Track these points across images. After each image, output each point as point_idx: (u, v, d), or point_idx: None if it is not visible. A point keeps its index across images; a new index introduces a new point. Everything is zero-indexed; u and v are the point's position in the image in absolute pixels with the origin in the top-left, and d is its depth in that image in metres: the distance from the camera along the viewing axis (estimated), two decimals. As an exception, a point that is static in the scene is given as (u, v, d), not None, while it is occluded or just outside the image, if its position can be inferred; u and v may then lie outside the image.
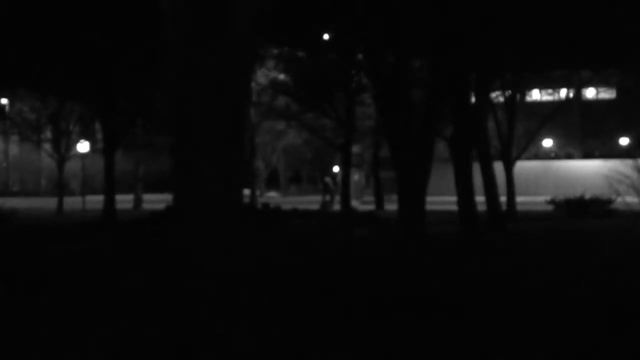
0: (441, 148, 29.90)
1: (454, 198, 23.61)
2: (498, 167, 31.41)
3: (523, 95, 37.97)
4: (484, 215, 26.50)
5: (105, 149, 34.66)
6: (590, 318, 9.92)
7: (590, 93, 68.20)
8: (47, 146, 47.52)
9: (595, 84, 58.24)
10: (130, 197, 49.60)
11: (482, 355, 8.20)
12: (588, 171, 56.33)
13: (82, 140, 49.17)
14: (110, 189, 33.88)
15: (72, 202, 46.98)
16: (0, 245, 21.31)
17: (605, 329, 9.29)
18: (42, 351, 8.35)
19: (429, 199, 21.17)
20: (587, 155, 67.47)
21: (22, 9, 29.26)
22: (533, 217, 32.07)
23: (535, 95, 53.32)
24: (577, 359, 8.10)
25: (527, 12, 24.16)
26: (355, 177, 52.27)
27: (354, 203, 42.78)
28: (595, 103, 68.38)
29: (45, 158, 54.58)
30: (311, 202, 45.14)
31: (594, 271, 14.79)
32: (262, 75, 41.12)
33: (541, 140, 62.73)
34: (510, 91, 35.23)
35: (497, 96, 35.72)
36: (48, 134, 46.97)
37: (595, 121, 66.52)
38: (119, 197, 36.68)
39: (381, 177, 47.11)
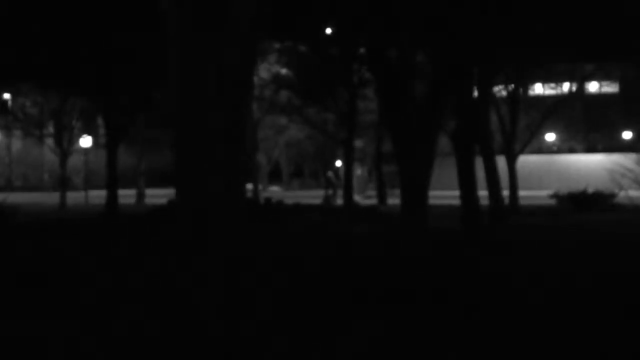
0: (443, 142, 29.85)
1: (456, 192, 23.59)
2: (500, 161, 31.37)
3: (525, 90, 37.89)
4: (487, 210, 26.48)
5: (107, 144, 34.69)
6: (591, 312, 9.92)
7: (593, 87, 68.09)
8: (50, 141, 47.56)
9: (598, 78, 58.16)
10: (132, 192, 49.63)
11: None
12: (591, 165, 56.27)
13: (84, 135, 49.19)
14: (112, 184, 33.92)
15: (74, 197, 47.01)
16: (2, 240, 21.32)
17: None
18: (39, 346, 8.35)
19: (431, 193, 21.14)
20: (590, 149, 67.41)
21: (24, 6, 29.27)
22: (536, 211, 32.05)
23: (538, 89, 53.23)
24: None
25: (529, 5, 24.11)
26: (358, 171, 52.29)
27: (357, 197, 42.78)
28: (598, 97, 68.28)
29: (48, 153, 54.61)
30: (313, 196, 45.14)
31: (594, 265, 14.77)
32: (264, 70, 41.10)
33: (544, 134, 62.67)
34: (512, 85, 35.19)
35: (499, 90, 35.67)
36: (50, 129, 47.00)
37: (598, 115, 66.47)
38: (122, 192, 36.69)
39: (384, 171, 47.11)
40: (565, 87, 43.92)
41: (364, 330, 8.88)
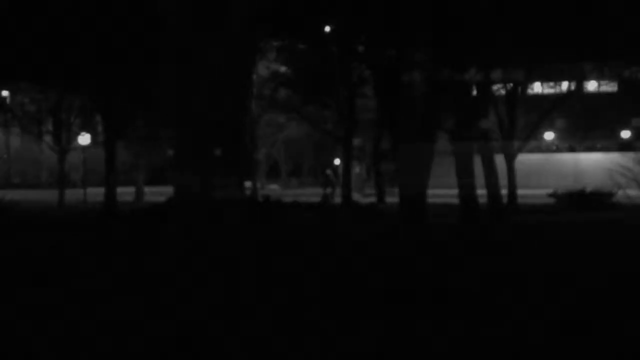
0: (442, 142, 29.90)
1: (455, 191, 23.60)
2: (499, 160, 31.38)
3: (524, 88, 37.92)
4: (485, 208, 26.49)
5: (106, 141, 34.70)
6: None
7: (592, 86, 68.06)
8: (48, 138, 47.54)
9: (597, 77, 58.14)
10: (131, 189, 49.58)
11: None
12: (590, 164, 56.30)
13: (83, 133, 49.12)
14: (111, 181, 33.93)
15: (73, 194, 46.96)
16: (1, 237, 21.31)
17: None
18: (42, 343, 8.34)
19: (430, 191, 21.16)
20: (589, 148, 67.40)
21: (24, 4, 29.29)
22: (534, 209, 32.04)
23: (537, 88, 53.21)
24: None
25: (528, 4, 24.13)
26: (356, 169, 52.31)
27: (355, 196, 42.76)
28: (597, 96, 68.26)
29: (47, 150, 54.55)
30: (312, 194, 45.10)
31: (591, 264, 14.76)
32: (263, 68, 41.12)
33: (543, 133, 62.67)
34: (511, 84, 35.21)
35: (498, 89, 35.68)
36: (49, 126, 46.98)
37: (597, 114, 66.46)
38: (120, 189, 36.65)
39: (382, 169, 47.10)
40: (564, 86, 43.93)
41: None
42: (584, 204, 33.02)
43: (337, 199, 41.60)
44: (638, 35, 28.06)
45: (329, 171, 49.22)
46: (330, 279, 12.71)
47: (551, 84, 48.36)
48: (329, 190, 45.97)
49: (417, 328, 8.97)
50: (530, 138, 37.45)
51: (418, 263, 14.98)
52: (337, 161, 54.11)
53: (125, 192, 44.15)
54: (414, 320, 9.37)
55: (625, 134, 66.58)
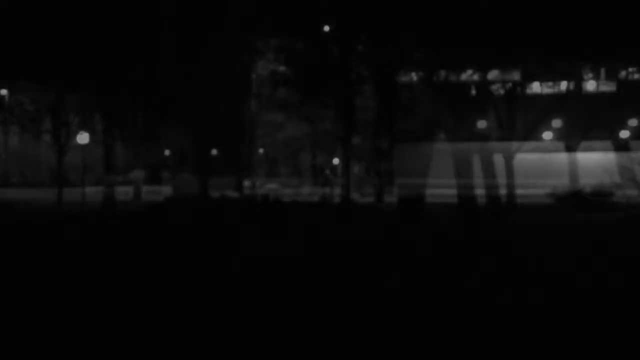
0: (442, 141, 29.91)
1: (454, 191, 23.58)
2: (498, 160, 31.38)
3: (523, 88, 37.93)
4: (484, 207, 26.47)
5: (105, 141, 34.71)
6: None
7: (591, 86, 67.96)
8: (47, 137, 47.47)
9: (596, 77, 58.08)
10: (129, 189, 49.43)
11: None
12: (588, 164, 56.19)
13: (81, 132, 48.98)
14: (110, 180, 33.94)
15: (71, 193, 46.89)
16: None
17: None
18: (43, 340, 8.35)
19: (429, 191, 21.16)
20: (587, 148, 67.25)
21: (24, 4, 29.32)
22: (533, 209, 32.00)
23: (536, 88, 53.17)
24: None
25: (528, 5, 24.16)
26: (355, 169, 52.24)
27: (354, 195, 42.75)
28: (596, 96, 68.15)
29: (45, 149, 54.42)
30: (311, 193, 45.06)
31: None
32: (263, 67, 41.08)
33: (541, 133, 62.57)
34: (510, 84, 35.21)
35: (497, 89, 35.67)
36: (48, 125, 46.89)
37: (595, 114, 66.37)
38: (119, 189, 36.64)
39: (381, 169, 46.99)
40: (563, 86, 43.92)
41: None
42: (582, 203, 32.99)
43: (336, 198, 41.57)
44: (637, 36, 28.08)
45: (327, 170, 49.19)
46: (329, 278, 12.72)
47: (550, 83, 48.38)
48: (327, 189, 45.95)
49: (415, 327, 9.00)
50: (528, 138, 37.45)
51: (417, 263, 14.99)
52: (336, 160, 54.05)
53: (123, 191, 44.08)
54: (413, 320, 9.40)
55: (624, 134, 66.53)
